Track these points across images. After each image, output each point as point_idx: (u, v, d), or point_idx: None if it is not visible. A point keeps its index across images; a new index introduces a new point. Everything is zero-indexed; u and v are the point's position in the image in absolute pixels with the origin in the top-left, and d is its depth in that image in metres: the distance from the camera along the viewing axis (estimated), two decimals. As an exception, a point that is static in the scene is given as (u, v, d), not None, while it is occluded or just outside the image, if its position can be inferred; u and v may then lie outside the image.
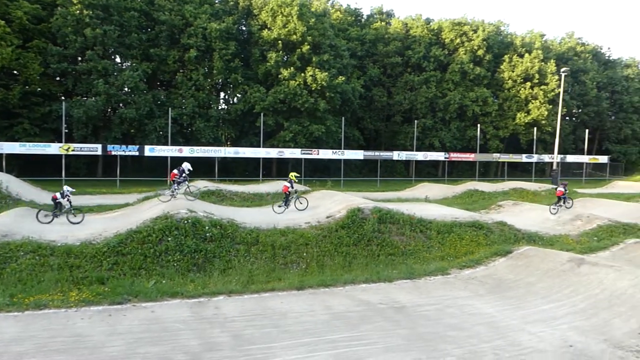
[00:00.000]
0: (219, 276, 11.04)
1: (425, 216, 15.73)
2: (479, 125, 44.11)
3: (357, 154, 38.47)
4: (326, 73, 36.56)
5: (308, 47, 36.86)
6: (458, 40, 45.43)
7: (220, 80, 38.52)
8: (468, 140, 45.70)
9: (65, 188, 15.45)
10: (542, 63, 46.69)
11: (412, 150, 41.82)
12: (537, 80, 46.27)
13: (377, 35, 45.08)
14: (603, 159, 49.81)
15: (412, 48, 44.72)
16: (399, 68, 44.95)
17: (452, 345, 7.29)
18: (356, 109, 42.65)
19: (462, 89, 44.58)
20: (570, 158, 47.66)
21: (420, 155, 41.36)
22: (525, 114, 45.79)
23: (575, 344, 7.52)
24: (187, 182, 17.55)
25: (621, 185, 38.71)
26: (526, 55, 46.61)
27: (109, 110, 35.90)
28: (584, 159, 48.29)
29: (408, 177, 42.03)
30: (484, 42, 45.34)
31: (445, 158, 42.28)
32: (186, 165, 17.31)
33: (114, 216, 16.70)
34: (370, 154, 39.17)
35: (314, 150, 36.31)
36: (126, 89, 34.18)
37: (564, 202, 21.20)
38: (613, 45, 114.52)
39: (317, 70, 36.55)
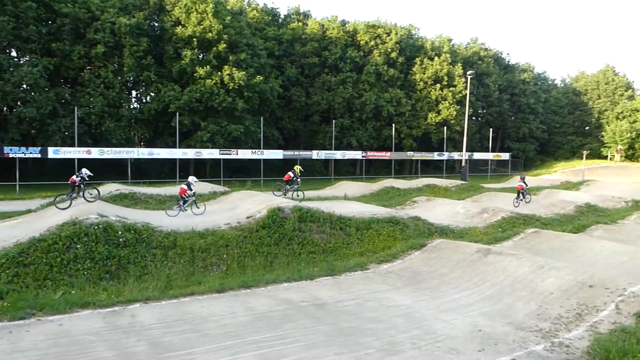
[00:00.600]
0: (134, 283, 10.55)
1: (345, 214, 16.07)
2: (393, 124, 45.86)
3: (277, 154, 38.46)
4: (244, 72, 36.15)
5: (224, 45, 36.23)
6: (373, 43, 46.87)
7: (131, 77, 36.74)
8: (384, 140, 47.33)
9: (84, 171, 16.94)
10: (450, 66, 49.48)
11: (330, 149, 42.56)
12: (446, 82, 48.97)
13: (294, 36, 45.35)
14: (505, 155, 53.81)
15: (329, 49, 45.50)
16: (317, 68, 45.54)
17: (372, 338, 7.53)
18: (275, 108, 42.62)
19: (377, 89, 46.07)
20: (477, 155, 51.01)
21: (338, 155, 42.19)
22: (436, 114, 48.28)
23: (484, 328, 8.06)
24: (83, 187, 17.01)
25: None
26: (436, 58, 49.16)
27: (5, 109, 32.95)
28: (489, 156, 51.92)
29: (328, 176, 42.72)
30: (397, 45, 47.17)
31: (363, 157, 43.50)
32: (85, 172, 16.94)
33: (13, 224, 15.37)
34: (290, 153, 39.34)
35: (232, 150, 35.78)
36: (25, 86, 31.51)
37: (523, 197, 23.34)
38: (512, 51, 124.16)
39: (234, 69, 36.03)
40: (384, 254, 13.13)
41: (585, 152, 47.66)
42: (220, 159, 35.02)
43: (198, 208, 17.10)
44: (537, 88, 60.66)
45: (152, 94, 37.82)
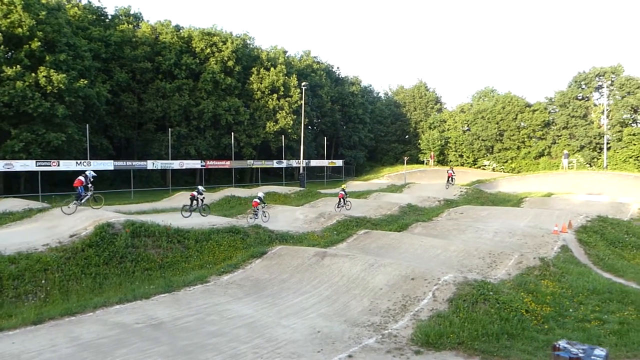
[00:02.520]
0: None
1: (183, 225, 15.44)
2: (232, 133, 45.65)
3: (107, 165, 35.37)
4: (64, 75, 32.50)
5: (39, 43, 32.18)
6: (209, 50, 46.12)
7: None
8: (223, 148, 46.83)
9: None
10: (286, 77, 51.12)
11: (167, 159, 40.64)
12: (282, 93, 50.43)
13: (123, 38, 42.33)
14: (339, 162, 57.38)
15: (163, 54, 43.48)
16: (150, 74, 43.15)
17: (213, 353, 7.30)
18: (103, 115, 39.19)
19: (215, 98, 45.40)
20: (314, 162, 53.52)
21: (176, 164, 40.50)
22: (274, 123, 49.40)
23: (323, 328, 8.39)
24: None
25: (354, 185, 45.13)
26: (272, 69, 50.33)
27: None
28: (325, 163, 54.87)
29: (165, 186, 40.68)
30: (234, 54, 47.13)
31: (202, 166, 42.40)
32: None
33: None
34: (122, 164, 36.53)
35: (53, 161, 31.90)
36: None
37: (452, 181, 33.31)
38: (341, 65, 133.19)
39: (52, 70, 32.19)
40: (225, 264, 12.91)
41: (406, 158, 53.21)
42: (37, 172, 30.98)
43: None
44: (364, 100, 65.87)
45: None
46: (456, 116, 65.72)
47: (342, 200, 25.12)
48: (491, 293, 9.14)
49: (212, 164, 43.24)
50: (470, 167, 60.54)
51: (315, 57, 60.88)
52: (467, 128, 64.09)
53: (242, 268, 12.53)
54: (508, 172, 56.71)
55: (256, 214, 20.00)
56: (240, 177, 47.92)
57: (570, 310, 9.28)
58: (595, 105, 56.67)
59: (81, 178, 17.64)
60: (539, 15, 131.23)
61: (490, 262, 12.54)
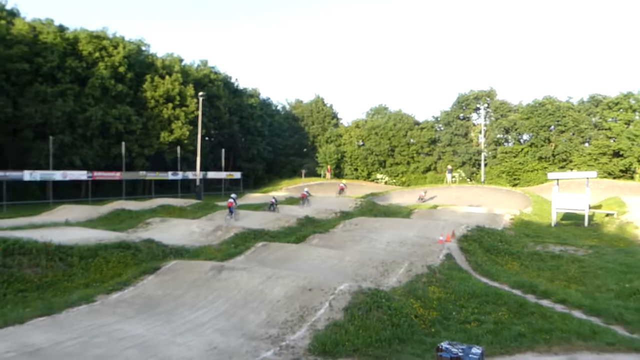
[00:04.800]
0: None
1: (66, 242, 14.26)
2: (123, 143, 43.15)
3: (-26, 175, 31.60)
4: None
5: None
6: (97, 54, 43.35)
7: None
8: (113, 158, 44.09)
9: None
10: (182, 86, 49.62)
11: (48, 169, 37.27)
12: (178, 102, 48.82)
13: (-4, 35, 38.29)
14: (237, 174, 56.69)
15: (44, 56, 39.97)
16: (27, 76, 39.35)
17: (100, 378, 6.80)
18: (-30, 120, 35.03)
19: (104, 105, 42.65)
20: (211, 174, 52.32)
21: (58, 175, 37.30)
22: (169, 133, 47.59)
23: (219, 344, 8.21)
24: None
25: (252, 197, 44.83)
26: (167, 77, 48.56)
27: None
28: (222, 175, 53.90)
29: (45, 199, 37.18)
30: (126, 60, 44.78)
31: (89, 177, 39.56)
32: None
33: None
34: (-8, 174, 32.85)
35: None
36: None
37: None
38: (240, 76, 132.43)
39: None
40: (114, 282, 12.12)
41: (303, 171, 54.11)
42: None
43: None
44: (263, 112, 65.93)
45: None
46: (352, 131, 68.39)
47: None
48: (384, 300, 9.59)
49: (100, 175, 40.51)
50: (364, 180, 63.21)
51: (212, 67, 59.95)
52: (361, 143, 66.97)
53: (133, 285, 11.86)
54: (399, 185, 60.07)
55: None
56: (131, 189, 45.34)
57: (454, 313, 10.03)
58: (474, 125, 62.25)
59: None
60: (427, 36, 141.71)
61: (383, 270, 13.14)
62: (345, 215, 28.33)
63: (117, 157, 43.42)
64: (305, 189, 36.77)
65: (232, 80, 63.94)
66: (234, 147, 61.93)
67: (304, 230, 21.60)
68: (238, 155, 63.09)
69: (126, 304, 10.62)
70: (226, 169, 56.32)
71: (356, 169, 65.30)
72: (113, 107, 43.34)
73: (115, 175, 41.92)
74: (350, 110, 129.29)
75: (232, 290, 10.92)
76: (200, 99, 44.03)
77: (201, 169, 45.21)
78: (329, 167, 62.47)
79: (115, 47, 44.73)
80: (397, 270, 12.97)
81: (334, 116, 73.72)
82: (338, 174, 64.58)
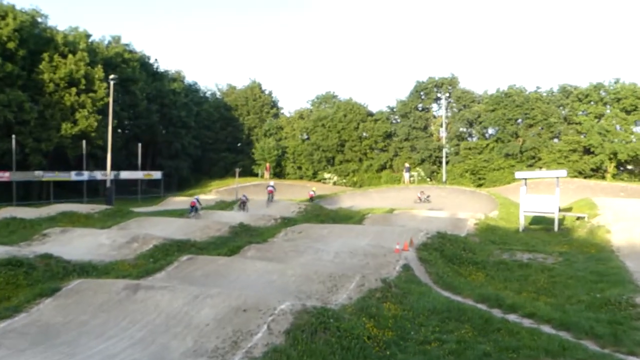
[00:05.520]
0: None
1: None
2: (14, 136, 41.07)
3: None
4: None
5: None
6: (-21, 26, 41.16)
7: None
8: (1, 156, 42.01)
9: None
10: (89, 67, 47.94)
11: None
12: (84, 87, 47.10)
13: None
14: (157, 174, 55.39)
15: None
16: None
17: None
18: None
19: (-12, 88, 40.59)
20: (125, 174, 50.81)
21: None
22: (72, 125, 45.83)
23: (134, 379, 7.99)
24: None
25: (176, 201, 43.98)
26: (70, 56, 46.73)
27: None
28: (139, 175, 52.49)
29: None
30: (17, 34, 42.70)
31: (-32, 178, 37.45)
32: None
33: None
34: None
35: None
36: None
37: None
38: (160, 56, 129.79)
39: None
40: (1, 308, 11.53)
41: (237, 170, 53.53)
42: None
43: None
44: (188, 100, 64.91)
45: None
46: (294, 123, 68.65)
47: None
48: (332, 320, 9.67)
49: (-18, 175, 38.43)
50: (309, 180, 63.58)
51: (127, 44, 58.43)
52: (306, 137, 67.39)
53: (25, 311, 11.32)
54: (350, 186, 60.86)
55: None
56: (24, 193, 43.35)
57: (412, 333, 10.27)
58: (434, 117, 64.12)
59: None
60: (381, 15, 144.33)
61: (330, 286, 13.25)
62: (287, 222, 28.37)
63: (6, 153, 41.35)
64: (271, 182, 41.35)
65: (151, 61, 62.65)
66: (154, 142, 60.52)
67: (237, 241, 21.43)
68: (158, 151, 61.73)
69: (17, 335, 10.13)
70: (143, 168, 54.92)
71: (300, 167, 65.56)
72: (1, 91, 41.20)
73: (4, 175, 39.94)
74: (293, 99, 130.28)
75: (150, 314, 10.66)
76: (112, 82, 42.81)
77: (112, 168, 44.02)
78: (267, 165, 62.31)
79: (3, 18, 42.57)
80: (347, 285, 13.11)
81: (274, 105, 73.81)
82: (279, 173, 64.60)
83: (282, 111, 74.64)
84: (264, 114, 71.20)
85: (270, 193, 38.46)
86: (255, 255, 18.35)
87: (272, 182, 42.99)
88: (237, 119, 70.10)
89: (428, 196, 42.74)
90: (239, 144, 70.52)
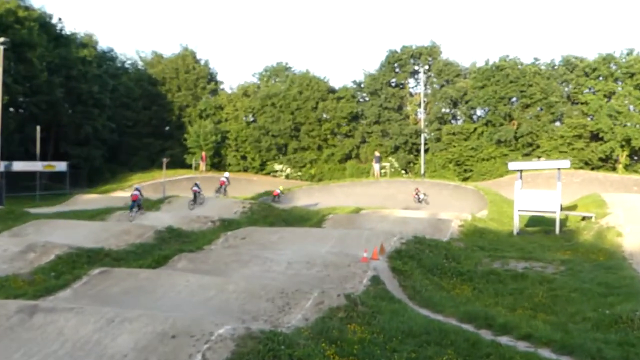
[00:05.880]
0: None
1: None
2: None
3: None
4: None
5: None
6: None
7: None
8: None
9: None
10: (-30, 28, 46.51)
11: None
12: (-37, 52, 45.68)
13: None
14: (61, 166, 53.96)
15: None
16: None
17: None
18: None
19: None
20: (19, 166, 49.33)
21: None
22: (-51, 102, 44.45)
23: None
24: None
25: (85, 200, 43.11)
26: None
27: None
28: (37, 166, 51.09)
29: None
30: None
31: None
32: None
33: None
34: None
35: None
36: None
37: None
38: (65, 15, 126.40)
39: None
40: None
41: (165, 160, 52.78)
42: None
43: None
44: (102, 71, 63.47)
45: None
46: (238, 101, 68.23)
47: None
48: (283, 347, 9.62)
49: None
50: (256, 173, 63.41)
51: (21, -1, 56.69)
52: (252, 119, 67.08)
53: None
54: (306, 180, 60.97)
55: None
56: None
57: (383, 360, 10.32)
58: (411, 94, 64.70)
59: None
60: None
61: (282, 304, 13.22)
62: (228, 225, 28.25)
63: None
64: (226, 174, 45.24)
65: (54, 21, 60.97)
66: (57, 124, 59.08)
67: (165, 249, 21.23)
68: (63, 135, 60.26)
69: None
70: (44, 158, 53.59)
71: (244, 157, 65.26)
72: None
73: None
74: (236, 71, 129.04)
75: (52, 343, 10.42)
76: (1, 48, 41.61)
77: (2, 158, 42.82)
78: (203, 154, 61.64)
79: None
80: (302, 303, 13.11)
81: (212, 79, 73.13)
82: (217, 164, 64.11)
83: (221, 87, 73.99)
84: (198, 89, 70.33)
85: (222, 185, 41.80)
86: (187, 266, 18.21)
87: (226, 174, 44.88)
88: (164, 95, 68.96)
89: (425, 195, 43.08)
90: (167, 128, 69.55)
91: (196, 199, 36.44)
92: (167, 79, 69.96)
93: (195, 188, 37.00)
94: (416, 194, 43.06)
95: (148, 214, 32.58)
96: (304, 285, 15.20)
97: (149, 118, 68.09)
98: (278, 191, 43.87)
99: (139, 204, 31.19)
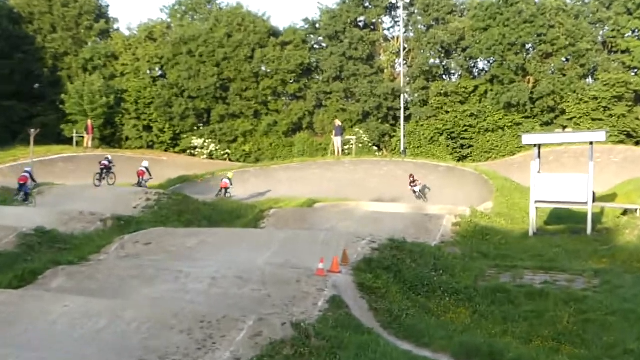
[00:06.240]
0: None
1: None
2: None
3: None
4: None
5: None
6: None
7: None
8: None
9: None
10: None
11: None
12: None
13: None
14: None
15: None
16: None
17: None
18: None
19: None
20: None
21: None
22: None
23: None
24: None
25: None
26: None
27: None
28: None
29: None
30: None
31: None
32: None
33: None
34: None
35: None
36: None
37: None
38: None
39: None
40: None
41: (33, 131, 51.57)
42: None
43: None
44: None
45: None
46: (139, 48, 67.37)
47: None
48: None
49: None
50: (166, 150, 62.92)
51: None
52: (160, 73, 66.39)
53: None
54: (238, 160, 60.63)
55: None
56: None
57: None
58: (386, 40, 64.64)
59: None
60: None
61: (202, 337, 13.09)
62: (125, 225, 27.97)
63: None
64: (145, 162, 43.05)
65: None
66: None
67: (33, 260, 20.84)
68: None
69: None
70: None
71: (149, 128, 64.57)
72: None
73: None
74: (137, 4, 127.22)
75: None
76: None
77: None
78: (89, 122, 60.68)
79: None
80: (232, 336, 13.00)
81: (101, 15, 72.14)
82: (110, 137, 63.31)
83: (116, 26, 73.12)
84: (82, 30, 69.31)
85: (142, 177, 40.41)
86: (66, 285, 17.92)
87: (145, 163, 41.99)
88: (32, 38, 67.83)
89: (427, 188, 42.04)
90: (35, 85, 68.42)
91: (102, 174, 36.68)
92: (37, 14, 68.73)
93: (105, 162, 37.54)
94: (411, 182, 41.29)
95: (6, 209, 31.75)
96: (234, 309, 15.08)
97: (9, 71, 66.76)
98: (227, 181, 41.33)
99: (26, 192, 31.13)
